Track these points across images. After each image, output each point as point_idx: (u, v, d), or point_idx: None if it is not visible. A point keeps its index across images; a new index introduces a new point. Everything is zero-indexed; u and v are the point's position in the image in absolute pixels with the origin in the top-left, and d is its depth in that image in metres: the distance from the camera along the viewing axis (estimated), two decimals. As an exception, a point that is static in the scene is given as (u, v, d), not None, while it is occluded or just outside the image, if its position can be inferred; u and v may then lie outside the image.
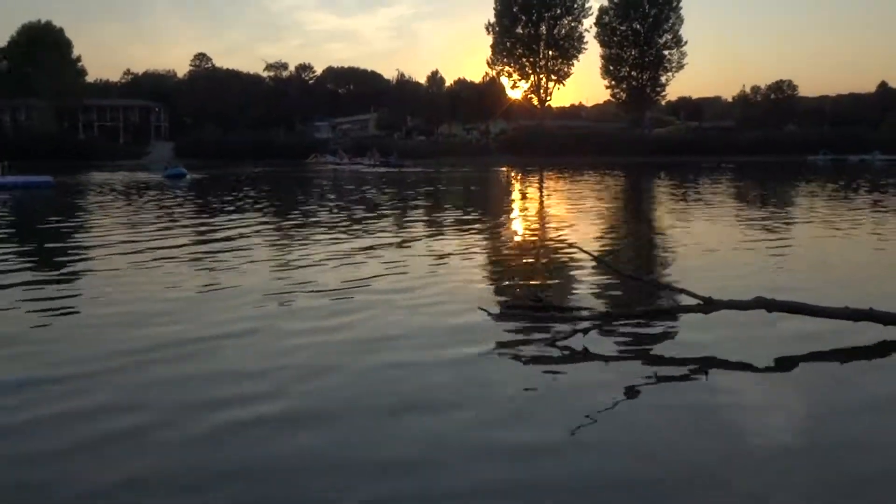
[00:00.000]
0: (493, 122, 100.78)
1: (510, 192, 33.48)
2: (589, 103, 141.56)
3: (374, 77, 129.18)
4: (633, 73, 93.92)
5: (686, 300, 6.92)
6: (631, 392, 5.18)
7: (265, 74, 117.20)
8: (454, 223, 17.49)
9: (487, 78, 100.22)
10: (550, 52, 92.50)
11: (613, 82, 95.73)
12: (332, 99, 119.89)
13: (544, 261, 11.63)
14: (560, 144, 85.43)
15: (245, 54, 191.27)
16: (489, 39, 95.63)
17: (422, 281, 9.35)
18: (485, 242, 14.25)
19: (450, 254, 11.92)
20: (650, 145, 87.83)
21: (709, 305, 6.56)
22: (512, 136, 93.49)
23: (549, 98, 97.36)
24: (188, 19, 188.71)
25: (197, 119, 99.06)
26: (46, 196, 29.66)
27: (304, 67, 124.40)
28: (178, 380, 5.50)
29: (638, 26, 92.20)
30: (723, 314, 6.57)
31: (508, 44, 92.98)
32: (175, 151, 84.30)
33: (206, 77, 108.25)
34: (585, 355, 5.97)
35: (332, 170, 61.11)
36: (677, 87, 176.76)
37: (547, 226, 17.52)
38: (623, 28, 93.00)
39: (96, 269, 10.74)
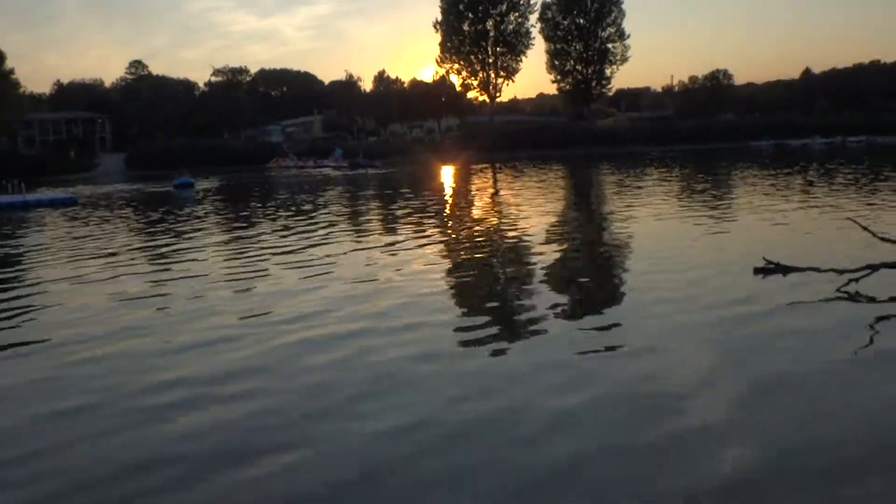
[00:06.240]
0: (444, 119, 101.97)
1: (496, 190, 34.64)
2: (521, 97, 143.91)
3: (307, 78, 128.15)
4: (578, 67, 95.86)
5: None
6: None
7: (208, 80, 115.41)
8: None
9: (438, 77, 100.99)
10: (498, 49, 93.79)
11: (559, 76, 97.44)
12: (267, 102, 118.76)
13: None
14: (511, 139, 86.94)
15: (166, 58, 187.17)
16: (427, 38, 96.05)
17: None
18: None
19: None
20: (596, 137, 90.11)
21: None
22: (463, 132, 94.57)
23: (498, 94, 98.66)
24: (99, 24, 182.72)
25: (141, 129, 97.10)
26: (75, 212, 29.54)
27: (240, 71, 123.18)
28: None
29: (582, 21, 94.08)
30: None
31: (457, 41, 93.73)
32: (126, 163, 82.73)
33: (150, 85, 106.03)
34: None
35: (296, 174, 61.01)
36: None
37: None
38: (566, 23, 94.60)
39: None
